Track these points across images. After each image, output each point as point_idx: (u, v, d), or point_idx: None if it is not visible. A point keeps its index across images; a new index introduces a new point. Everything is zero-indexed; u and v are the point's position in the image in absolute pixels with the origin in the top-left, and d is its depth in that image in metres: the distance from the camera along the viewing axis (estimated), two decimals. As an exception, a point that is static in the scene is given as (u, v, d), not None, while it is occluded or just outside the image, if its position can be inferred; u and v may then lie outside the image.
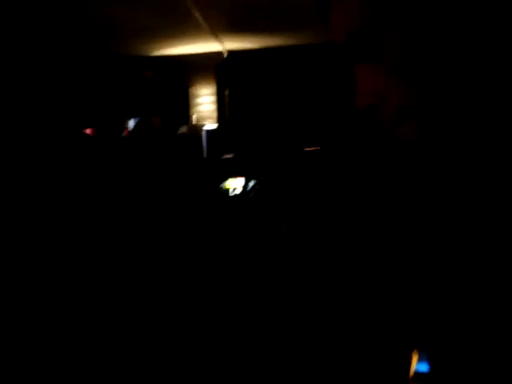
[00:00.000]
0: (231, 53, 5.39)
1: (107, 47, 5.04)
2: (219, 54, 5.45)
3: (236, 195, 4.93)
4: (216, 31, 4.69)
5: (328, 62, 5.09)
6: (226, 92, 5.10)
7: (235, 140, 4.87)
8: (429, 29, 0.62)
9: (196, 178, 5.15)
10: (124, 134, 4.87)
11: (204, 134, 5.25)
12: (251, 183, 5.06)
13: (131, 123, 4.73)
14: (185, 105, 5.39)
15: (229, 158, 4.80)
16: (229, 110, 5.08)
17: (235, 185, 4.98)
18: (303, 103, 5.09)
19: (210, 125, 5.25)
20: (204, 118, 5.42)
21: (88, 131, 4.21)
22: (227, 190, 5.01)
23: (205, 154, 5.17)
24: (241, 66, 5.09)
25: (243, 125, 4.91)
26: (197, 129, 5.27)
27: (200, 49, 5.31)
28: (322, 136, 5.20)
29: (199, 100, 5.48)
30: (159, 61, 5.32)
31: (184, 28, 4.67)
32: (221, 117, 5.20)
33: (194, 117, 5.45)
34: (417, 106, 0.68)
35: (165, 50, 5.16)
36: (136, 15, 4.19)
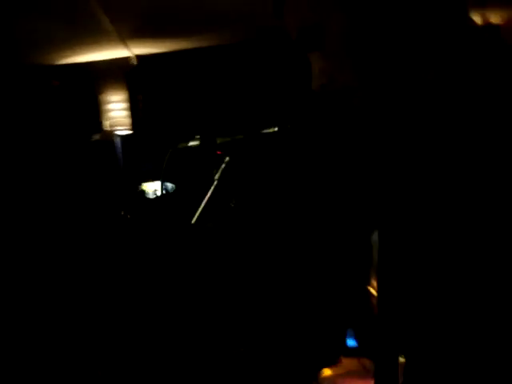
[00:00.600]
0: (141, 57, 5.38)
1: (9, 57, 4.91)
2: (128, 59, 5.44)
3: (156, 197, 4.97)
4: (124, 37, 4.68)
5: (242, 60, 5.21)
6: (140, 98, 5.10)
7: (152, 145, 4.90)
8: (363, 17, 0.75)
9: (113, 183, 5.12)
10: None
11: (118, 140, 5.23)
12: (170, 185, 5.10)
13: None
14: (95, 112, 5.33)
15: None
16: (143, 116, 5.09)
17: (153, 187, 5.01)
18: (218, 105, 5.17)
19: (124, 131, 5.23)
20: (117, 125, 5.38)
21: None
22: (145, 192, 5.04)
23: (120, 159, 5.16)
24: (152, 70, 5.10)
25: (159, 129, 4.93)
26: (110, 135, 5.23)
27: (108, 55, 5.27)
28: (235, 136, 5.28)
29: (110, 106, 5.44)
30: (66, 69, 5.23)
31: (91, 35, 4.62)
32: (135, 123, 5.18)
33: (107, 123, 5.40)
34: (358, 83, 0.82)
35: (72, 57, 5.09)
36: (40, 25, 4.12)
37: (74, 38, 4.63)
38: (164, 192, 4.83)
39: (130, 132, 5.19)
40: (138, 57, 5.49)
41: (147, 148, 4.93)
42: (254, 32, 5.11)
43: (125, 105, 5.38)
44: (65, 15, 4.07)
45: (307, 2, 0.82)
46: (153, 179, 4.91)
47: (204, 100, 5.16)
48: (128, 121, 5.41)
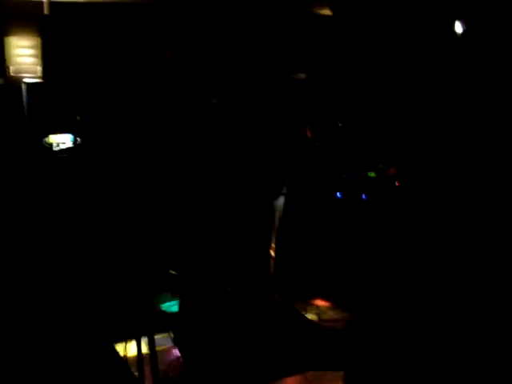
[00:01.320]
0: (54, 4, 5.19)
1: None
2: (40, 3, 5.22)
3: (62, 150, 4.86)
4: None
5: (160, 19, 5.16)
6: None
7: (62, 94, 4.76)
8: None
9: (17, 132, 4.94)
10: None
11: (24, 87, 5.03)
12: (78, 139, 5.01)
13: None
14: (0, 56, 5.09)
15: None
16: (55, 65, 4.92)
17: (60, 140, 4.89)
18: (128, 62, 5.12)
19: (32, 79, 5.04)
20: (24, 71, 5.17)
21: None
22: (51, 144, 4.90)
23: (25, 108, 4.98)
24: (68, 18, 4.93)
25: (71, 80, 4.80)
26: (15, 81, 5.02)
27: (20, -4, 5.03)
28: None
29: (17, 51, 5.20)
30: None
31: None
32: (46, 71, 5.00)
33: (12, 68, 5.17)
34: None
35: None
36: None
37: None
38: (72, 144, 4.75)
39: (39, 80, 5.01)
40: (51, 3, 5.29)
41: (57, 98, 4.80)
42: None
43: (34, 51, 5.17)
44: None
45: None
46: (61, 131, 4.79)
47: (112, 53, 5.09)
48: (36, 68, 5.21)
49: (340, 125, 5.47)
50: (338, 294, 4.90)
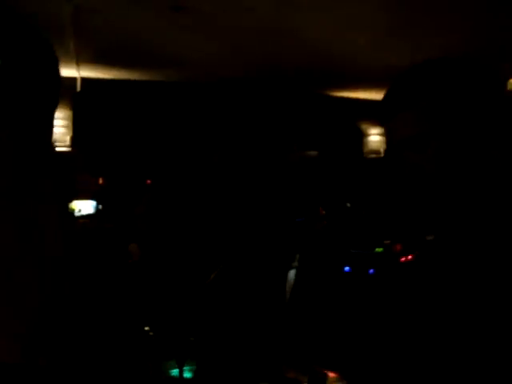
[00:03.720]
0: (87, 80, 5.60)
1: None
2: (73, 79, 5.64)
3: (83, 216, 5.13)
4: (79, 59, 4.90)
5: (183, 99, 5.55)
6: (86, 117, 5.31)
7: (92, 163, 5.09)
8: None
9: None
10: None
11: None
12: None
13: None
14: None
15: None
16: (87, 136, 5.28)
17: (82, 206, 5.17)
18: (156, 136, 5.47)
19: (61, 147, 5.39)
20: (54, 140, 5.52)
21: None
22: (73, 210, 5.18)
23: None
24: (99, 94, 5.33)
25: (97, 149, 5.14)
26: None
27: (55, 72, 5.45)
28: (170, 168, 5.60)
29: (49, 122, 5.59)
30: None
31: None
32: (76, 141, 5.35)
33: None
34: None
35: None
36: None
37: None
38: (94, 210, 5.01)
39: (68, 149, 5.35)
40: (84, 79, 5.71)
41: (83, 166, 5.11)
42: (201, 76, 5.51)
43: (65, 122, 5.55)
44: (40, 27, 4.21)
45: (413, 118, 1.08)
46: (85, 197, 5.08)
47: (142, 133, 5.45)
48: (66, 138, 5.57)
49: (348, 205, 5.68)
50: (345, 366, 4.95)
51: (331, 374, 4.96)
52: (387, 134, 1.19)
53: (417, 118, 1.05)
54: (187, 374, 4.48)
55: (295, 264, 5.75)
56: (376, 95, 6.34)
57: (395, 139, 1.12)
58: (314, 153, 6.05)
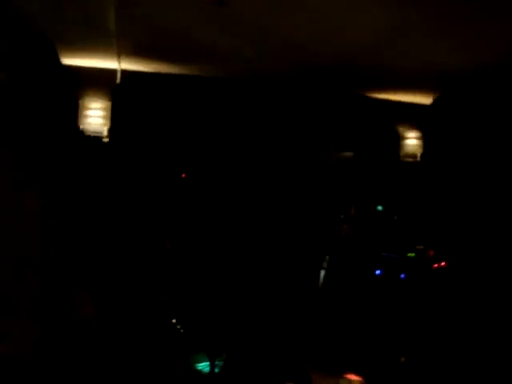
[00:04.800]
0: (127, 72, 5.65)
1: None
2: (114, 71, 5.70)
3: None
4: (121, 51, 4.96)
5: (223, 95, 5.58)
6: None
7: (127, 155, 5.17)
8: None
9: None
10: None
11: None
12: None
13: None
14: (74, 115, 5.54)
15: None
16: (125, 128, 5.34)
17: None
18: (191, 131, 5.51)
19: (98, 138, 5.46)
20: (91, 131, 5.60)
21: None
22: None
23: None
24: (138, 87, 5.38)
25: (137, 143, 5.21)
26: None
27: (96, 64, 5.52)
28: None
29: (88, 112, 5.66)
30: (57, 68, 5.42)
31: (93, 42, 4.88)
32: (113, 133, 5.42)
33: (81, 128, 5.61)
34: None
35: (61, 58, 5.30)
36: (53, 22, 4.32)
37: (75, 39, 4.86)
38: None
39: (104, 140, 5.42)
40: (124, 71, 5.76)
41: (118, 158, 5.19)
42: (240, 72, 5.51)
43: (103, 113, 5.61)
44: (80, 16, 4.28)
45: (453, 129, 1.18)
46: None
47: (181, 128, 5.49)
48: (103, 128, 5.63)
49: (380, 208, 5.63)
50: (371, 371, 4.91)
51: (356, 378, 4.92)
52: (426, 141, 1.27)
53: (455, 130, 1.17)
54: (216, 368, 4.48)
55: (324, 265, 5.72)
56: (415, 98, 6.25)
57: (434, 147, 1.20)
58: (349, 154, 6.01)
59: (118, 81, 5.37)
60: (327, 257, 5.64)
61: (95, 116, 5.57)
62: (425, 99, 6.21)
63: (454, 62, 4.80)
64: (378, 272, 5.38)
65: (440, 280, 4.93)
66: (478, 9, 3.83)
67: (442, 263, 5.16)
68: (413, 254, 5.22)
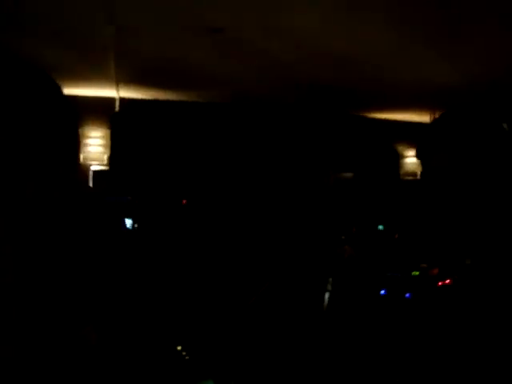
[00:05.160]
0: (125, 100, 5.69)
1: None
2: (112, 99, 5.73)
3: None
4: (119, 80, 5.00)
5: (219, 120, 5.61)
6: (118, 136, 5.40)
7: (127, 182, 5.16)
8: None
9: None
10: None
11: (91, 173, 5.46)
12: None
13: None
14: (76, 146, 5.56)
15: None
16: (124, 155, 5.36)
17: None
18: (189, 155, 5.52)
19: (98, 166, 5.47)
20: (92, 159, 5.61)
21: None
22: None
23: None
24: (136, 114, 5.41)
25: (137, 169, 5.21)
26: (84, 168, 5.45)
27: (94, 92, 5.56)
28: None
29: (88, 141, 5.68)
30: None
31: (90, 72, 4.92)
32: (113, 160, 5.43)
33: (81, 156, 5.62)
34: None
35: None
36: (52, 53, 4.35)
37: (73, 69, 4.89)
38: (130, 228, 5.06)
39: (105, 168, 5.42)
40: (122, 99, 5.80)
41: (121, 183, 5.18)
42: (238, 97, 5.55)
43: (102, 141, 5.63)
44: (82, 49, 4.32)
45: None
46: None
47: (179, 153, 5.51)
48: (103, 156, 5.65)
49: (381, 227, 5.62)
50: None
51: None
52: (424, 166, 1.33)
53: (451, 157, 1.22)
54: (225, 394, 4.37)
55: (329, 287, 5.69)
56: (413, 117, 6.29)
57: (431, 171, 1.26)
58: (349, 174, 6.02)
59: (117, 109, 5.40)
60: (331, 279, 5.62)
61: (95, 144, 5.59)
62: (423, 117, 6.25)
63: (445, 81, 4.84)
64: (382, 292, 5.34)
65: (446, 298, 4.90)
66: (465, 35, 3.90)
67: (447, 281, 5.13)
68: (417, 273, 5.19)
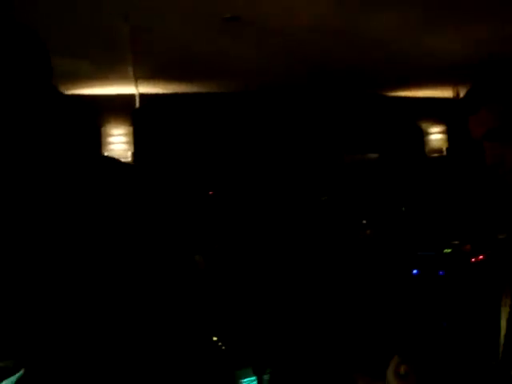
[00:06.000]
0: (146, 96, 5.71)
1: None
2: (132, 96, 5.75)
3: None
4: (138, 76, 5.01)
5: (243, 109, 5.59)
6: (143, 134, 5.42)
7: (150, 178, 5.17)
8: None
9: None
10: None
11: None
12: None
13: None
14: (97, 144, 5.60)
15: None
16: (148, 150, 5.39)
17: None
18: (213, 148, 5.52)
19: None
20: (116, 157, 5.65)
21: None
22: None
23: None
24: (157, 109, 5.43)
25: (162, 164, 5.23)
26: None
27: (114, 90, 5.58)
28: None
29: (111, 139, 5.71)
30: (70, 99, 5.51)
31: (108, 70, 4.94)
32: (137, 156, 5.46)
33: (105, 154, 5.67)
34: None
35: (80, 89, 5.38)
36: (69, 56, 4.39)
37: (92, 69, 4.92)
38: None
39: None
40: (142, 95, 5.82)
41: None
42: (256, 85, 5.53)
43: (126, 138, 5.66)
44: (96, 45, 4.34)
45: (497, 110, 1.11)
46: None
47: (204, 146, 5.51)
48: (127, 153, 5.68)
49: (403, 209, 5.58)
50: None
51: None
52: (469, 128, 1.22)
53: (501, 110, 1.08)
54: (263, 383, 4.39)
55: (357, 271, 5.65)
56: (436, 93, 6.19)
57: (478, 133, 1.15)
58: (374, 155, 5.96)
59: (137, 105, 5.43)
60: (359, 263, 5.60)
61: (118, 142, 5.63)
62: (445, 93, 6.14)
63: (469, 55, 4.75)
64: (415, 272, 5.30)
65: (480, 274, 4.84)
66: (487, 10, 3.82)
67: (480, 257, 5.07)
68: (449, 250, 5.13)
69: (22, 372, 0.91)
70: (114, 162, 1.17)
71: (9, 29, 0.94)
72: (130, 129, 5.58)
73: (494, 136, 1.10)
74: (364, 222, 5.71)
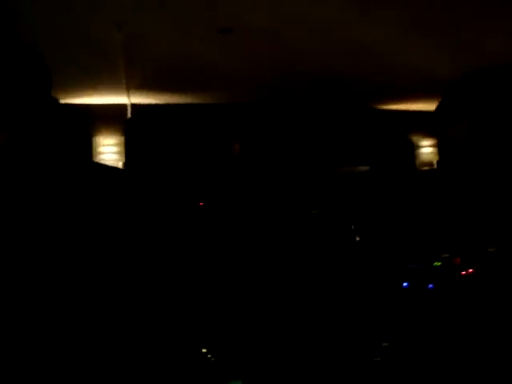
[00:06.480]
0: (138, 106, 5.71)
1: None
2: (124, 106, 5.75)
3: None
4: (130, 86, 5.01)
5: (233, 121, 5.59)
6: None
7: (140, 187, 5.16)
8: None
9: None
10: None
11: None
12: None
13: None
14: (87, 153, 5.58)
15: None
16: (139, 161, 5.38)
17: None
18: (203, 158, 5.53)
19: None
20: (107, 167, 5.64)
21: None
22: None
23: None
24: (149, 120, 5.42)
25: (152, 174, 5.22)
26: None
27: (106, 100, 5.58)
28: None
29: (102, 149, 5.70)
30: (62, 108, 5.50)
31: (101, 80, 4.94)
32: (127, 166, 5.45)
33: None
34: None
35: (71, 98, 5.37)
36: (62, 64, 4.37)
37: (86, 80, 4.92)
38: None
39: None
40: (134, 105, 5.82)
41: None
42: (250, 96, 5.54)
43: (117, 148, 5.65)
44: (88, 54, 4.34)
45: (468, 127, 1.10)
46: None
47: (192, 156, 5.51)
48: (118, 163, 5.67)
49: (394, 222, 5.60)
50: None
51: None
52: (441, 144, 1.19)
53: (472, 126, 1.06)
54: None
55: (347, 282, 5.64)
56: (426, 106, 6.23)
57: (450, 149, 1.13)
58: (365, 168, 5.98)
59: (129, 115, 5.42)
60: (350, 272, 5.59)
61: (109, 152, 5.61)
62: (436, 106, 6.18)
63: (458, 69, 4.79)
64: (405, 285, 5.30)
65: (470, 287, 4.85)
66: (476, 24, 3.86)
67: (470, 270, 5.08)
68: (439, 263, 5.14)
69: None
70: (105, 168, 1.17)
71: (9, 45, 0.96)
72: (122, 139, 5.57)
73: (467, 153, 1.09)
74: (356, 236, 5.71)
